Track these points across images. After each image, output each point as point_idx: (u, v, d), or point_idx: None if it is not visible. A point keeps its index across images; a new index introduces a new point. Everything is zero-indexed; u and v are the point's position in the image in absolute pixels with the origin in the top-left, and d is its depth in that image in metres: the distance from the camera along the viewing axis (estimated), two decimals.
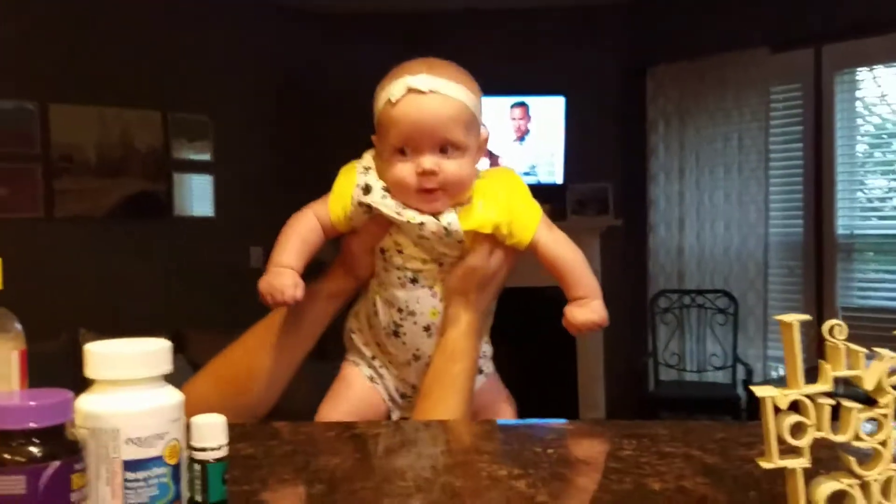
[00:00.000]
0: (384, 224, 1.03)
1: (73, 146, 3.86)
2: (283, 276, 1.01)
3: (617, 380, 4.73)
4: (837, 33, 3.93)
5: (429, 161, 0.98)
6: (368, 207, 1.02)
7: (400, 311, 1.05)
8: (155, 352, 0.58)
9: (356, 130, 5.00)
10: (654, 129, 4.58)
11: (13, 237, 3.60)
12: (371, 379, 1.10)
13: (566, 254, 1.06)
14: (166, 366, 0.59)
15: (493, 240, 1.04)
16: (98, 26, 3.88)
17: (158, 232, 4.12)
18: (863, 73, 4.01)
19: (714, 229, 4.41)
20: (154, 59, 4.05)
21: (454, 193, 1.01)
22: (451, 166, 0.99)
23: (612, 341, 4.73)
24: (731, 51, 4.26)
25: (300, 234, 1.06)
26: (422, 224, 1.00)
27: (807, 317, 0.59)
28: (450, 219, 1.00)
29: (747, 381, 4.06)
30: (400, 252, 1.03)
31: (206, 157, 4.34)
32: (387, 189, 1.02)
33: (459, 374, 1.03)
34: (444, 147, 0.99)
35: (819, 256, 4.13)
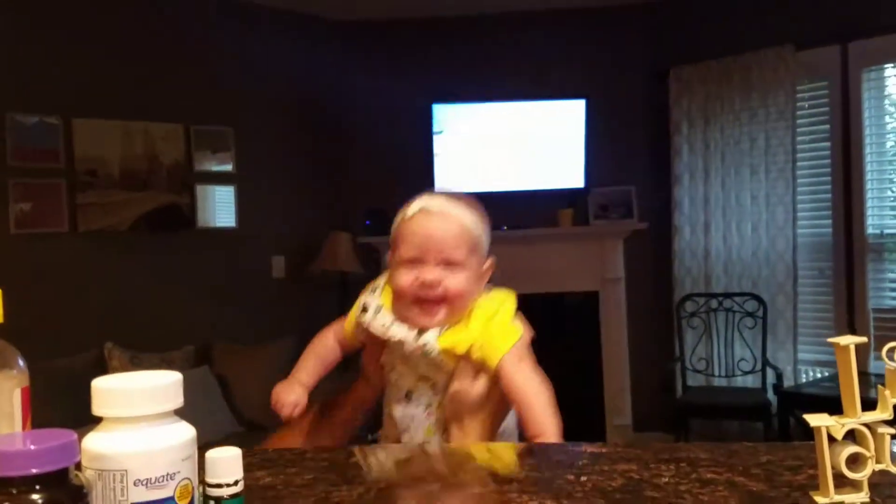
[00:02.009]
0: (380, 340, 1.10)
1: (97, 160, 3.87)
2: (289, 394, 1.11)
3: (644, 386, 4.66)
4: (864, 30, 3.85)
5: (430, 273, 1.04)
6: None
7: (397, 426, 1.11)
8: (165, 386, 0.55)
9: (377, 142, 5.00)
10: (677, 131, 4.51)
11: (38, 252, 3.62)
12: None
13: (528, 387, 1.04)
14: (177, 400, 0.56)
15: (477, 363, 1.06)
16: (119, 40, 3.89)
17: (182, 244, 4.12)
18: (890, 70, 3.92)
19: (741, 231, 4.33)
20: (175, 72, 4.06)
21: (455, 309, 1.05)
22: (452, 281, 1.05)
23: (638, 347, 4.67)
24: (755, 49, 4.18)
25: (317, 352, 1.17)
26: (401, 341, 1.06)
27: (863, 339, 0.55)
28: (427, 338, 1.05)
29: (777, 386, 3.98)
30: (393, 369, 1.11)
31: (228, 168, 4.34)
32: (379, 308, 1.10)
33: None
34: (447, 262, 1.05)
35: (849, 257, 4.04)
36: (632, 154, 4.70)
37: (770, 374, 4.14)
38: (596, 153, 4.57)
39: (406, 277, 1.06)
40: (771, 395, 4.05)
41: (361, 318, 1.11)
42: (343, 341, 1.17)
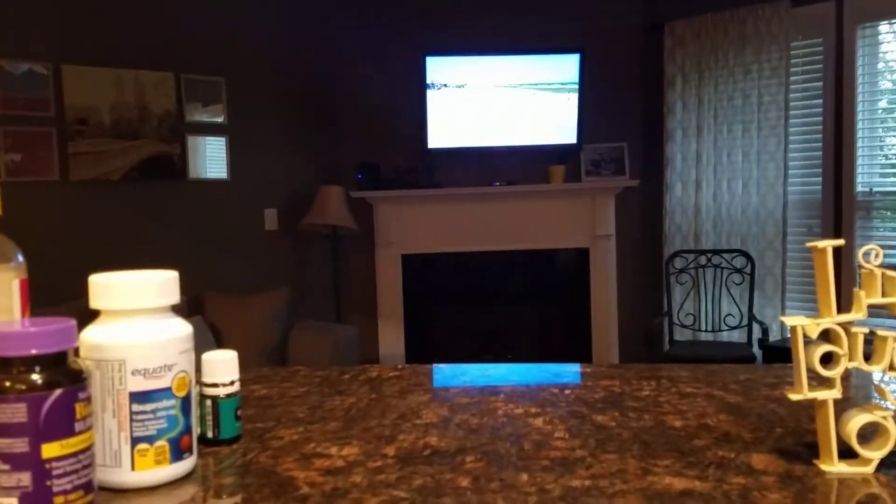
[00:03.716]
0: None
1: (88, 109, 3.84)
2: None
3: (631, 340, 4.72)
4: None
5: None
6: None
7: None
8: (162, 282, 0.57)
9: (369, 95, 4.92)
10: (671, 86, 4.49)
11: (29, 201, 3.61)
12: None
13: None
14: (174, 296, 0.57)
15: None
16: None
17: (173, 195, 4.11)
18: (884, 27, 3.90)
19: (731, 188, 4.35)
20: (167, 20, 4.01)
21: None
22: None
23: (626, 302, 4.71)
24: (751, 4, 4.16)
25: None
26: None
27: (840, 241, 0.56)
28: None
29: (762, 340, 4.04)
30: None
31: (219, 119, 4.31)
32: None
33: None
34: None
35: (838, 214, 4.07)
36: (625, 110, 4.69)
37: (756, 329, 4.19)
38: (589, 109, 4.56)
39: None
40: (756, 349, 4.12)
41: None
42: None
